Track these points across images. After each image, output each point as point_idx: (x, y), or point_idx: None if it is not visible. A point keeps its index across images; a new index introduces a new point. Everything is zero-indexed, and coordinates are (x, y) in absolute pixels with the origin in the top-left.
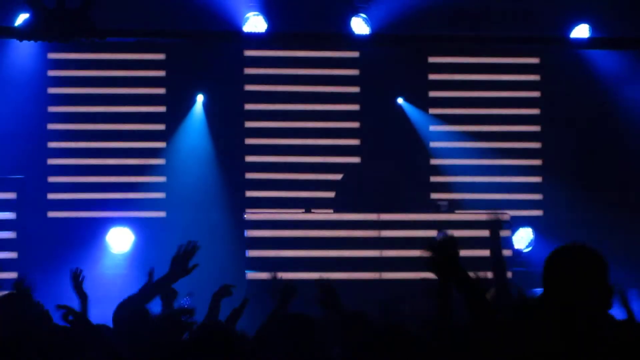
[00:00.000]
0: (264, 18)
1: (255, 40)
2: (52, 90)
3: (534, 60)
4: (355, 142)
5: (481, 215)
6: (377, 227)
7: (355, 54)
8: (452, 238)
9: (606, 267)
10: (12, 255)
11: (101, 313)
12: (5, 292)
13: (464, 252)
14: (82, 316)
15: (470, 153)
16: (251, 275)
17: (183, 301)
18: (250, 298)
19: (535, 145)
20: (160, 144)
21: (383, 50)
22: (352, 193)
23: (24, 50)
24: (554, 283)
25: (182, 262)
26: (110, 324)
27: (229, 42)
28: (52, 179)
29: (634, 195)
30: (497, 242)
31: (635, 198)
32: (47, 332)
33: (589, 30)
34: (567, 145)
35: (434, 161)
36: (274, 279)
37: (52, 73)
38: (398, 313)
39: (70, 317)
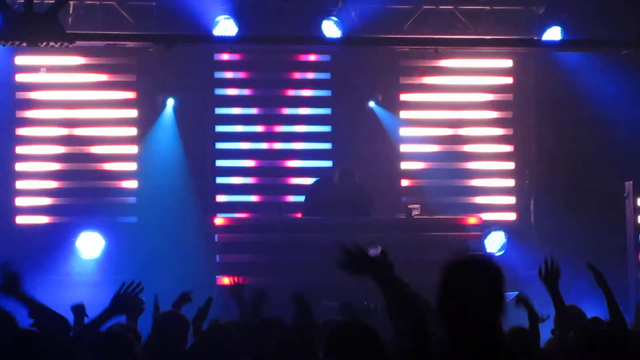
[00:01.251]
0: (234, 21)
1: (225, 43)
2: (19, 95)
3: (507, 63)
4: (326, 146)
5: (453, 220)
6: (348, 230)
7: (326, 58)
8: (385, 255)
9: (501, 277)
10: None
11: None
12: None
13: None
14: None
15: (442, 156)
16: (221, 279)
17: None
18: (222, 303)
19: (508, 148)
20: (131, 149)
21: (354, 53)
22: (323, 197)
23: None
24: (449, 292)
25: (121, 302)
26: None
27: (199, 45)
28: (20, 185)
29: (608, 198)
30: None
31: (609, 201)
32: (9, 336)
33: (561, 33)
34: (541, 148)
35: (405, 165)
36: (237, 285)
37: (19, 77)
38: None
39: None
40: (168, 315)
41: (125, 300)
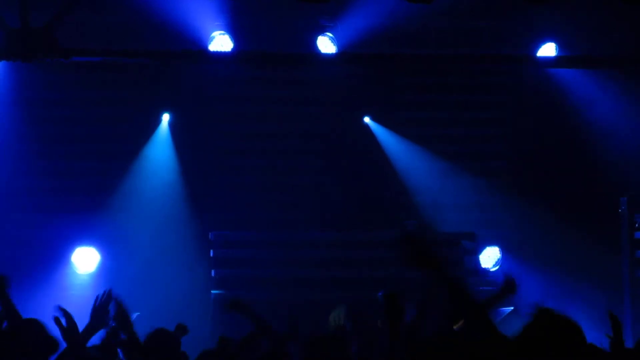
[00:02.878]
0: (230, 37)
1: (221, 59)
2: (14, 110)
3: (501, 80)
4: (321, 162)
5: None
6: (344, 246)
7: (321, 73)
8: (424, 227)
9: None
10: None
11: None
12: None
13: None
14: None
15: (437, 172)
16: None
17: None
18: (216, 317)
19: (503, 164)
20: (126, 164)
21: (349, 69)
22: (319, 213)
23: None
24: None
25: (100, 314)
26: None
27: (194, 62)
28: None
29: (600, 213)
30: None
31: (602, 217)
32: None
33: (556, 49)
34: (535, 164)
35: (400, 180)
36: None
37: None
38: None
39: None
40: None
41: (102, 311)
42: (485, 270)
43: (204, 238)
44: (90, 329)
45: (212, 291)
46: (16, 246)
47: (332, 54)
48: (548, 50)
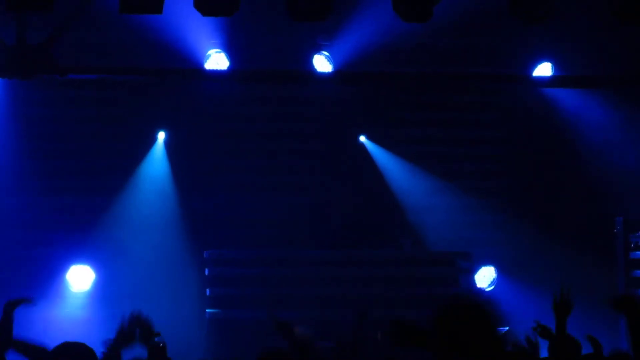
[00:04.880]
0: (225, 55)
1: (217, 77)
2: (10, 127)
3: (497, 99)
4: (317, 179)
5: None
6: (339, 264)
7: (317, 92)
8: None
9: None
10: None
11: None
12: None
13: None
14: None
15: (433, 191)
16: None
17: None
18: (211, 336)
19: (498, 182)
20: (122, 181)
21: (345, 87)
22: (315, 231)
23: None
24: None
25: (128, 333)
26: None
27: (190, 80)
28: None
29: (596, 233)
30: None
31: (598, 237)
32: None
33: (552, 69)
34: (531, 183)
35: (396, 199)
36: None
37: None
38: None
39: None
40: None
41: (129, 332)
42: (481, 290)
43: (198, 256)
44: (116, 347)
45: (207, 310)
46: (11, 263)
47: (328, 73)
48: (544, 70)
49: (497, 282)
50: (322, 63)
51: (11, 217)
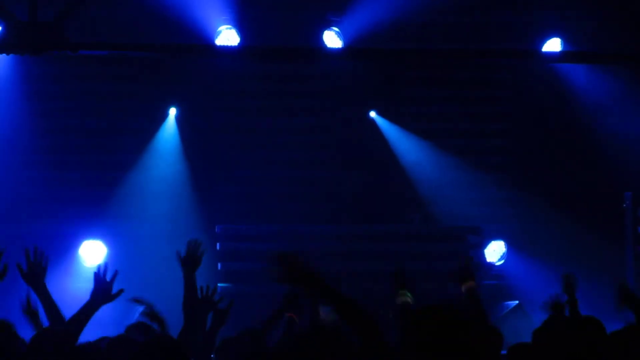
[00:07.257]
0: (236, 31)
1: (227, 53)
2: (23, 104)
3: (507, 75)
4: (328, 155)
5: (453, 229)
6: (350, 240)
7: (327, 68)
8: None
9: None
10: None
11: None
12: None
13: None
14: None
15: (443, 166)
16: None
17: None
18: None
19: (508, 158)
20: (133, 157)
21: (356, 63)
22: (325, 206)
23: None
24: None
25: (104, 288)
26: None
27: (201, 56)
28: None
29: (605, 208)
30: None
31: (605, 211)
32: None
33: (561, 44)
34: (540, 159)
35: (406, 174)
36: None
37: (23, 86)
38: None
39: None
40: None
41: (108, 285)
42: (490, 265)
43: (210, 231)
44: (92, 304)
45: (218, 284)
46: (24, 238)
47: (338, 49)
48: (553, 45)
49: (506, 256)
50: (332, 39)
51: (24, 192)
